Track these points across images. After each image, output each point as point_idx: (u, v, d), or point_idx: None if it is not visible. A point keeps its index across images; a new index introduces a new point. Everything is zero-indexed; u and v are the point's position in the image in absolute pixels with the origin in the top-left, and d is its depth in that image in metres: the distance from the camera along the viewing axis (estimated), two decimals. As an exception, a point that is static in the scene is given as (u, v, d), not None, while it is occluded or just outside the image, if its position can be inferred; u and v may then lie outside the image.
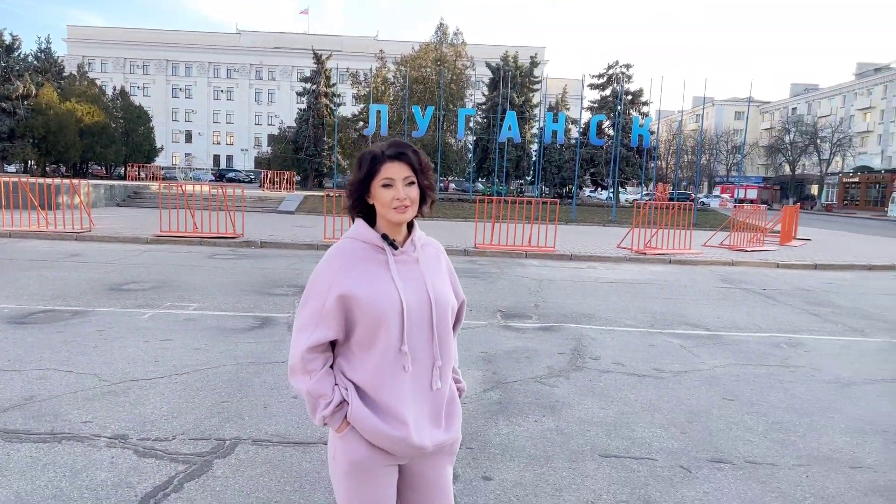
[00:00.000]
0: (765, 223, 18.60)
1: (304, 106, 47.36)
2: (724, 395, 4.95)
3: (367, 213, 1.81)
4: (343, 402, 1.73)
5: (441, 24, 42.18)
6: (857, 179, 66.38)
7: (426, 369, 1.79)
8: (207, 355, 5.41)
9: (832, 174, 68.85)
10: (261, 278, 9.55)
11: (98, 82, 55.09)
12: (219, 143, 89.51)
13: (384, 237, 1.77)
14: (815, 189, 72.64)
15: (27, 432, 3.69)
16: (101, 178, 46.60)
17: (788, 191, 72.49)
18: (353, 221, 1.83)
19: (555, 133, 25.93)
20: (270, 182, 36.62)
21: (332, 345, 1.80)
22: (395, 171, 1.72)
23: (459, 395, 1.95)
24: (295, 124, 47.48)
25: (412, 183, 1.74)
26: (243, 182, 56.78)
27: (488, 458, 3.65)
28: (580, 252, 14.16)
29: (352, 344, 1.75)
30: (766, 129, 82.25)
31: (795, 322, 7.97)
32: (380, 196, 1.72)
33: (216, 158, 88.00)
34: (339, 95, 39.08)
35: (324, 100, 45.38)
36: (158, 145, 55.74)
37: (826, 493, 3.39)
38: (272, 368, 5.12)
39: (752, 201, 56.91)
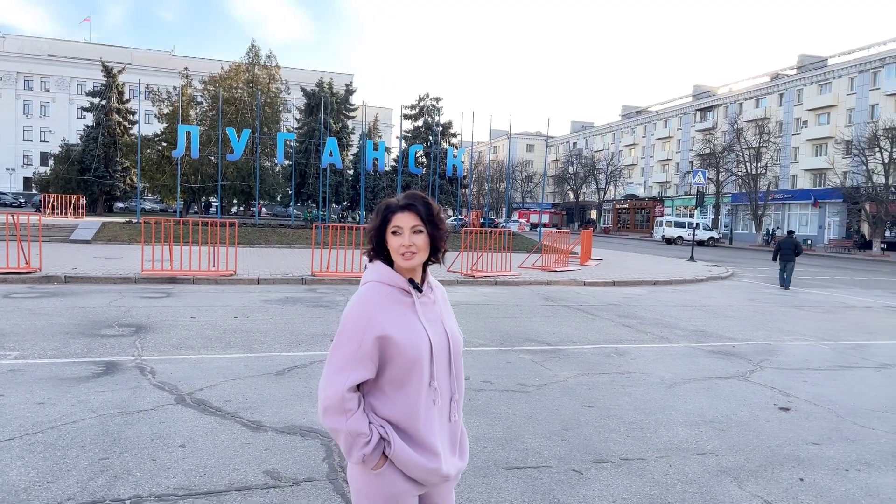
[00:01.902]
0: (567, 246, 20.83)
1: (90, 122, 42.67)
2: (584, 403, 5.61)
3: (387, 257, 1.94)
4: (381, 440, 1.82)
5: (253, 45, 40.89)
6: (627, 206, 76.71)
7: (446, 402, 1.96)
8: (57, 409, 4.79)
9: (608, 201, 78.74)
10: (82, 318, 8.53)
11: None
12: (-25, 161, 76.54)
13: (411, 281, 1.91)
14: (594, 214, 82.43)
15: None
16: None
17: (574, 216, 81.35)
18: (372, 262, 1.95)
19: (376, 161, 26.47)
20: (52, 207, 32.31)
21: (358, 386, 1.88)
22: (403, 220, 1.87)
23: None
24: (80, 142, 42.51)
25: (419, 231, 1.89)
26: (12, 206, 49.21)
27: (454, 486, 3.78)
28: (414, 277, 14.65)
29: (382, 383, 1.86)
30: (552, 161, 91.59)
31: (615, 333, 9.15)
32: (390, 242, 1.88)
33: (-28, 179, 75.09)
34: (134, 112, 35.82)
35: (116, 116, 41.38)
36: None
37: (688, 477, 4.07)
38: (142, 417, 4.70)
39: (545, 225, 62.95)
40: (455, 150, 29.43)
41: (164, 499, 3.45)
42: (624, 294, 14.10)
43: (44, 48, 77.59)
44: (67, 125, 72.68)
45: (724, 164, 54.26)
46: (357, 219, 33.90)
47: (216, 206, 39.49)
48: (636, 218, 75.40)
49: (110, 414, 4.74)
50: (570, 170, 78.79)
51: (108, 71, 41.45)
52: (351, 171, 41.18)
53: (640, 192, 78.02)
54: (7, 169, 73.57)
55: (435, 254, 1.95)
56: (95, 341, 7.18)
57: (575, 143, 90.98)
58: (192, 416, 4.78)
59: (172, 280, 12.68)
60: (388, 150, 40.80)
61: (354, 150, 42.65)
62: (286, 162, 33.97)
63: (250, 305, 10.24)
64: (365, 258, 1.98)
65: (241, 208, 47.62)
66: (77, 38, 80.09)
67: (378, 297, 1.86)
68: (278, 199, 46.40)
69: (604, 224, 79.39)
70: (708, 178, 51.96)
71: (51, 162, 48.42)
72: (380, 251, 1.93)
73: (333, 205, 42.66)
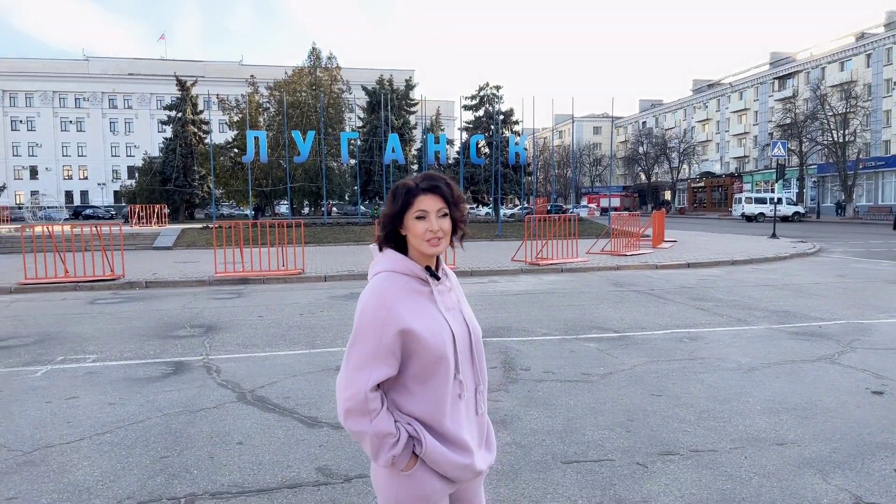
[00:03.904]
0: (638, 229, 20.11)
1: (169, 135, 44.86)
2: (652, 392, 5.31)
3: (398, 245, 1.80)
4: (410, 439, 1.69)
5: (314, 48, 41.77)
6: (702, 184, 73.59)
7: (471, 394, 1.82)
8: (126, 409, 4.97)
9: (682, 180, 75.82)
10: (157, 321, 8.90)
11: (-80, 116, 48.76)
12: (71, 178, 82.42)
13: (427, 269, 1.77)
14: (668, 194, 79.55)
15: (-59, 521, 3.21)
16: (-69, 223, 41.07)
17: (647, 197, 78.81)
18: (382, 251, 1.81)
19: (437, 154, 26.46)
20: (138, 217, 34.21)
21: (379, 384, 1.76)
22: (428, 203, 1.72)
23: None
24: (161, 154, 44.79)
25: (445, 215, 1.75)
26: (103, 218, 52.49)
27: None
28: (479, 267, 14.53)
29: (406, 379, 1.73)
30: (621, 142, 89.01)
31: (688, 317, 8.69)
32: (413, 228, 1.72)
33: (69, 195, 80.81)
34: (207, 122, 37.37)
35: (192, 127, 43.28)
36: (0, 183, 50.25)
37: (766, 470, 3.75)
38: (205, 416, 4.80)
39: (616, 209, 61.24)
40: (517, 138, 28.99)
41: (218, 497, 3.48)
42: (699, 276, 13.43)
43: (124, 68, 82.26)
44: (150, 139, 76.81)
45: (807, 134, 51.03)
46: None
47: (287, 208, 40.66)
48: (713, 196, 72.23)
49: (175, 413, 4.87)
50: (641, 150, 76.33)
51: (181, 85, 43.39)
52: (415, 166, 41.41)
53: (717, 168, 74.65)
54: (98, 184, 78.64)
55: (452, 238, 1.81)
56: (168, 343, 7.46)
57: (644, 123, 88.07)
58: (252, 414, 4.84)
59: (244, 281, 13.09)
60: (450, 142, 40.85)
61: (418, 144, 42.85)
62: (351, 161, 34.52)
63: (316, 302, 10.39)
64: (373, 247, 1.84)
65: (312, 209, 48.86)
66: (154, 55, 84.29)
67: (395, 287, 1.72)
68: (347, 197, 47.30)
69: (679, 204, 76.52)
70: (790, 149, 49.09)
71: (135, 175, 51.33)
72: (390, 238, 1.80)
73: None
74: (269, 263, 14.06)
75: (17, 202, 73.17)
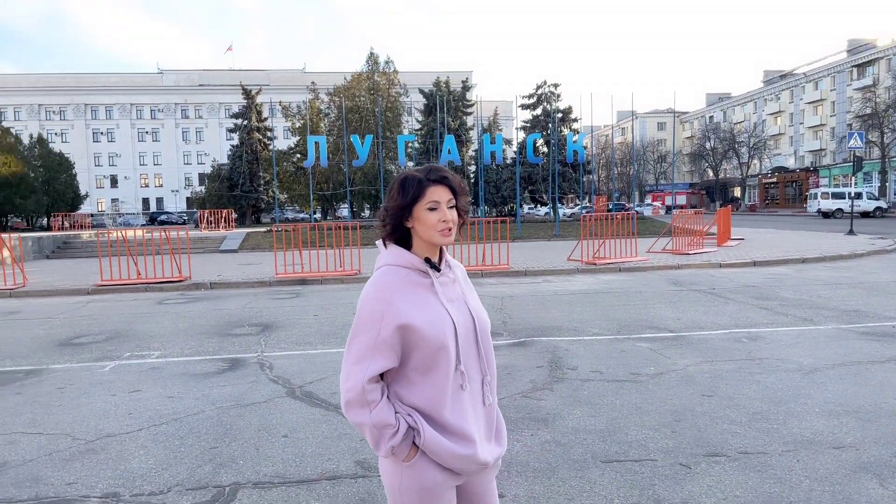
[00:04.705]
0: (701, 227, 19.45)
1: (236, 142, 46.61)
2: (703, 392, 5.13)
3: (401, 239, 1.82)
4: (410, 429, 1.71)
5: (372, 53, 42.52)
6: (774, 179, 70.40)
7: (478, 385, 1.82)
8: (183, 403, 5.20)
9: (752, 176, 72.79)
10: (218, 320, 9.27)
11: (13, 131, 52.50)
12: (147, 186, 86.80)
13: (427, 261, 1.78)
14: (737, 191, 76.57)
15: (10, 500, 3.45)
16: (23, 230, 44.18)
17: (714, 194, 76.08)
18: (386, 246, 1.84)
19: (493, 154, 26.41)
20: (207, 221, 35.71)
21: (382, 375, 1.78)
22: (439, 194, 1.74)
23: None
24: (228, 161, 46.60)
25: (453, 206, 1.77)
26: (176, 223, 55.02)
27: (496, 476, 3.65)
28: (534, 267, 14.41)
29: (408, 370, 1.75)
30: (687, 138, 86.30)
31: (749, 317, 8.34)
32: (425, 219, 1.74)
33: (145, 201, 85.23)
34: (271, 129, 38.64)
35: (257, 134, 44.83)
36: (83, 192, 53.49)
37: (819, 474, 3.56)
38: (254, 409, 4.97)
39: (682, 207, 59.41)
40: (575, 136, 28.58)
41: (261, 486, 3.60)
42: (765, 274, 12.87)
43: (195, 80, 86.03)
44: (219, 147, 79.96)
45: (889, 124, 48.05)
46: (479, 213, 34.02)
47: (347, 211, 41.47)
48: (786, 192, 68.95)
49: (227, 406, 5.07)
50: (708, 145, 73.75)
51: (247, 93, 45.01)
52: (472, 167, 41.46)
53: (790, 163, 71.27)
54: (172, 191, 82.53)
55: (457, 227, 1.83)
56: (226, 340, 7.76)
57: (711, 117, 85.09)
58: (299, 408, 4.98)
59: (303, 282, 13.45)
60: (508, 142, 40.66)
61: (476, 145, 42.90)
62: (409, 164, 34.86)
63: (369, 302, 10.55)
64: (379, 243, 1.87)
65: (372, 211, 49.68)
66: (222, 66, 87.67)
67: (395, 280, 1.75)
68: (406, 200, 47.72)
69: (749, 201, 73.49)
70: (871, 140, 46.36)
71: (205, 181, 53.56)
72: (397, 231, 1.82)
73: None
74: (326, 265, 14.40)
75: (99, 209, 77.72)
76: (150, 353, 7.12)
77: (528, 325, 8.21)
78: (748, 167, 70.65)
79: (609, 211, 33.24)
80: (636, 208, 56.66)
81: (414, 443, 1.72)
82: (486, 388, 1.84)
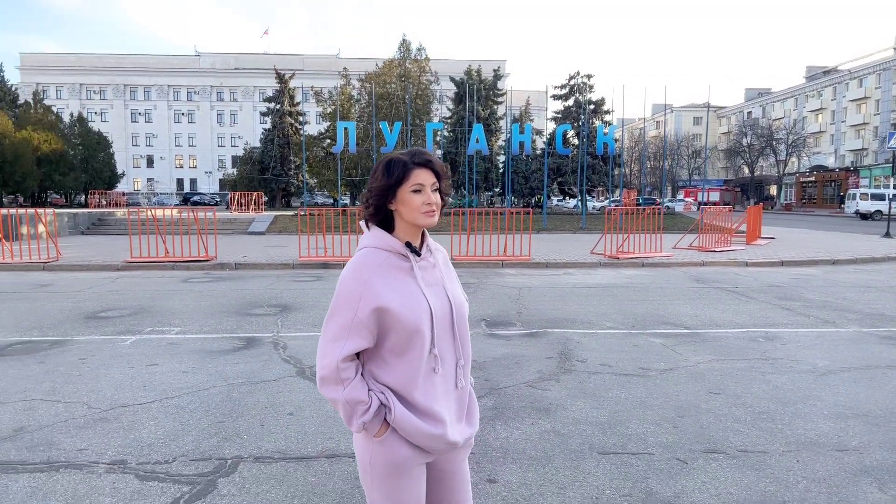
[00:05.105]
0: (730, 224, 19.10)
1: (268, 126, 47.12)
2: (710, 390, 5.09)
3: (383, 221, 1.86)
4: (381, 407, 1.76)
5: (404, 40, 42.46)
6: (813, 178, 68.60)
7: (451, 369, 1.85)
8: (196, 378, 5.35)
9: (789, 174, 71.01)
10: (239, 300, 9.46)
11: (54, 109, 53.86)
12: (182, 167, 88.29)
13: (408, 244, 1.82)
14: (773, 189, 74.84)
15: (22, 462, 3.62)
16: (61, 206, 45.44)
17: (749, 192, 74.52)
18: (369, 228, 1.88)
19: (522, 144, 26.26)
20: (238, 203, 36.27)
21: (358, 353, 1.83)
22: (424, 176, 1.78)
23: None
24: (260, 144, 47.17)
25: (437, 189, 1.81)
26: (209, 205, 56.00)
27: (490, 462, 3.70)
28: (555, 259, 14.35)
29: (383, 351, 1.79)
30: (723, 133, 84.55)
31: (769, 317, 8.21)
32: (410, 201, 1.77)
33: (179, 182, 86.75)
34: (303, 114, 38.95)
35: (288, 119, 45.24)
36: (119, 171, 54.72)
37: (817, 475, 3.53)
38: (264, 387, 5.09)
39: (714, 203, 58.29)
40: (606, 128, 28.24)
41: (261, 460, 3.70)
42: (792, 275, 12.62)
43: (231, 63, 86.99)
44: (252, 130, 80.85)
45: (935, 124, 46.35)
46: (505, 203, 33.92)
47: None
48: (824, 192, 67.16)
49: (238, 383, 5.20)
50: (744, 142, 72.10)
51: (280, 78, 45.39)
52: (501, 157, 41.32)
53: (830, 162, 69.34)
54: (206, 172, 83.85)
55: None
56: (245, 319, 7.92)
57: (750, 112, 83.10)
58: (307, 387, 5.08)
59: (325, 265, 13.62)
60: (539, 132, 40.32)
61: (507, 135, 42.68)
62: (438, 151, 34.85)
63: (388, 288, 10.66)
64: (362, 223, 1.91)
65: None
66: (258, 50, 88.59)
67: (374, 263, 1.78)
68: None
69: (785, 200, 71.79)
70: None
71: (237, 164, 54.34)
72: (380, 213, 1.85)
73: (484, 191, 43.09)
74: (349, 249, 14.55)
75: (135, 188, 79.40)
76: (171, 329, 7.32)
77: (542, 316, 8.21)
78: (785, 165, 68.91)
79: (638, 205, 32.80)
80: (668, 203, 55.88)
81: (385, 420, 1.77)
82: (459, 371, 1.87)
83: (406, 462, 1.78)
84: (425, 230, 1.90)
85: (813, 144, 70.89)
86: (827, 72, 72.08)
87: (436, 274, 1.87)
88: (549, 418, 4.43)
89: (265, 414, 4.47)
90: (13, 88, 49.39)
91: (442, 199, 1.85)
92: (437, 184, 1.81)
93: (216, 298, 9.57)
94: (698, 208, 55.84)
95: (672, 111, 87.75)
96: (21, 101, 49.53)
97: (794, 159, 69.25)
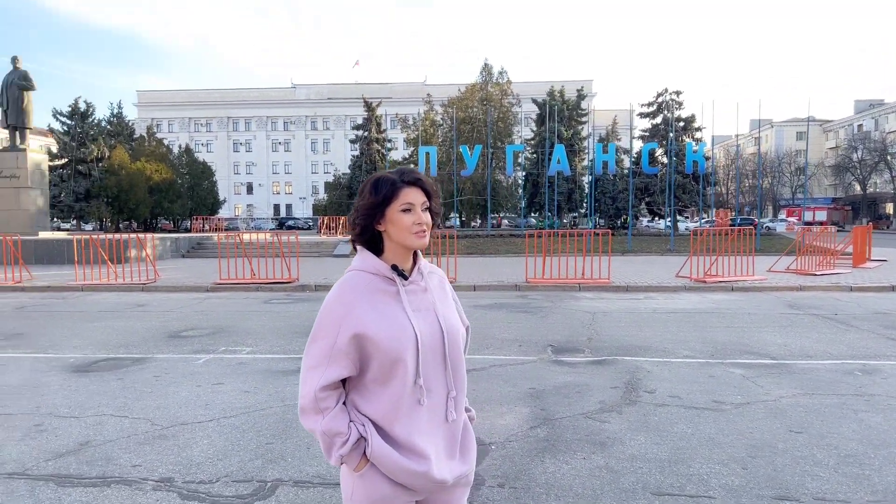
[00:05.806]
0: (834, 245, 17.68)
1: (357, 152, 48.77)
2: (791, 428, 4.63)
3: (371, 242, 1.79)
4: (360, 439, 1.67)
5: (486, 64, 42.89)
6: (935, 195, 62.60)
7: (441, 400, 1.74)
8: (256, 398, 5.47)
9: (907, 191, 65.20)
10: (312, 321, 9.65)
11: (165, 141, 58.32)
12: (278, 193, 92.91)
13: (394, 268, 1.74)
14: (889, 207, 68.94)
15: (79, 476, 3.79)
16: (169, 231, 48.87)
17: (860, 210, 69.04)
18: (356, 250, 1.81)
19: (606, 164, 25.66)
20: (327, 227, 37.58)
21: (344, 381, 1.76)
22: (413, 196, 1.71)
23: (471, 424, 1.89)
24: (349, 171, 48.84)
25: (427, 208, 1.73)
26: (302, 229, 58.42)
27: (532, 498, 3.51)
28: (636, 283, 13.79)
29: (366, 380, 1.71)
30: (831, 149, 79.15)
31: (871, 348, 7.45)
32: (399, 220, 1.69)
33: (276, 207, 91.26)
34: (390, 140, 40.13)
35: (375, 145, 46.64)
36: (221, 198, 58.19)
37: (907, 533, 3.08)
38: (318, 409, 5.12)
39: (821, 223, 54.35)
40: (695, 145, 27.10)
41: (300, 484, 3.69)
42: (903, 300, 11.46)
43: (324, 93, 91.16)
44: (343, 157, 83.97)
45: None
46: (589, 225, 33.15)
47: (454, 221, 41.93)
48: (950, 209, 61.09)
49: (293, 405, 5.25)
50: (855, 157, 67.06)
51: (368, 106, 47.01)
52: (586, 178, 40.52)
53: (955, 177, 63.04)
54: (300, 198, 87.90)
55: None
56: (313, 341, 8.07)
57: (860, 125, 77.34)
58: (359, 412, 5.06)
59: (400, 288, 13.74)
60: (626, 151, 39.29)
61: (592, 155, 41.95)
62: (520, 173, 34.71)
63: (459, 311, 10.58)
64: (349, 245, 1.85)
65: (480, 221, 49.97)
66: (349, 80, 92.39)
67: (356, 288, 1.71)
68: (518, 210, 47.71)
69: (903, 219, 65.84)
70: None
71: (327, 190, 56.47)
72: (367, 232, 1.78)
73: (567, 212, 42.35)
74: (425, 272, 14.62)
75: (235, 213, 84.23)
76: (243, 349, 7.57)
77: (614, 343, 7.84)
78: (903, 181, 63.35)
79: (732, 226, 31.07)
80: (768, 223, 52.71)
81: (364, 453, 1.68)
82: (450, 403, 1.75)
83: (386, 499, 1.68)
84: (419, 252, 1.81)
85: (935, 158, 64.80)
86: (950, 79, 65.92)
87: (427, 298, 1.77)
88: (604, 453, 4.16)
89: (312, 437, 4.46)
90: (130, 123, 53.88)
91: (433, 218, 1.77)
92: (428, 203, 1.73)
93: (291, 319, 9.85)
94: (801, 227, 52.23)
95: (772, 126, 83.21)
96: (137, 134, 53.97)
97: (912, 174, 63.58)
